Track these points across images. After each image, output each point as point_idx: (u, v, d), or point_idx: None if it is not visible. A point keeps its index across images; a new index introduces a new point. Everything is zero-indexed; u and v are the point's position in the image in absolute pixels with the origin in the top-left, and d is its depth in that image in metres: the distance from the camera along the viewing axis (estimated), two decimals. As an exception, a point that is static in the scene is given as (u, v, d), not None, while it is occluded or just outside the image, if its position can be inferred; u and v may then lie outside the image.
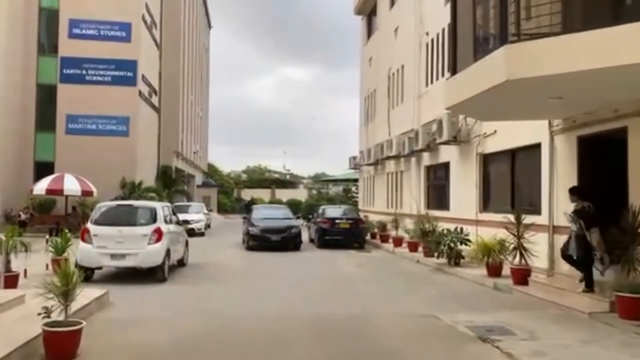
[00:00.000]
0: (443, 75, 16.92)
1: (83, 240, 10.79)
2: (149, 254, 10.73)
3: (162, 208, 11.84)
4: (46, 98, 25.82)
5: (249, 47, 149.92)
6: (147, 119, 30.30)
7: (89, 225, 10.92)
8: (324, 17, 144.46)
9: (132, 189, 25.52)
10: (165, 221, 11.68)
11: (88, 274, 10.88)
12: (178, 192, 35.55)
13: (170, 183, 34.61)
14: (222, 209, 50.91)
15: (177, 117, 38.26)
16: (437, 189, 17.88)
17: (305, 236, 19.90)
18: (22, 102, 25.23)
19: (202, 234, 24.41)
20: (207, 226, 27.34)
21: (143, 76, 28.13)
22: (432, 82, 17.99)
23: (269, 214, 19.85)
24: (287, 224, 18.51)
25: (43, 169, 24.61)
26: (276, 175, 77.33)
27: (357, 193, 47.22)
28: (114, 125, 26.51)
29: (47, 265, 12.44)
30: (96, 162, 24.75)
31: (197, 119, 50.65)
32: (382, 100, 24.45)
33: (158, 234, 10.91)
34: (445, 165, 16.71)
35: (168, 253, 11.26)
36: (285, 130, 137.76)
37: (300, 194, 64.27)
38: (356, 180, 39.01)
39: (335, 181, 46.55)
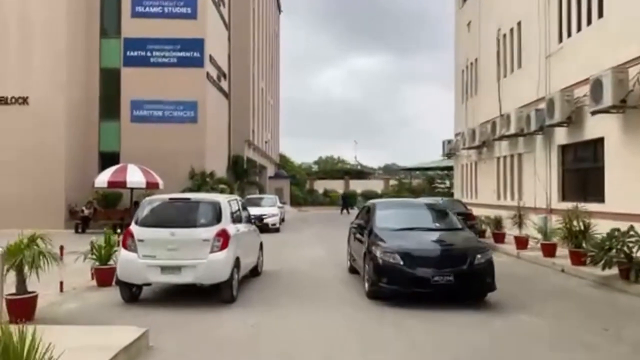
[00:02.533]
0: (590, 22, 12.79)
1: (125, 247, 7.89)
2: (212, 265, 7.73)
3: (228, 203, 8.76)
4: (110, 83, 23.99)
5: (315, 35, 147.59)
6: (216, 105, 27.93)
7: (133, 227, 8.01)
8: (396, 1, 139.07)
9: (201, 180, 23.35)
10: (233, 220, 8.69)
11: (134, 292, 8.16)
12: (250, 183, 33.44)
13: (242, 174, 32.51)
14: (295, 201, 48.91)
15: (248, 104, 35.74)
16: (580, 175, 13.75)
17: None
18: (85, 88, 23.59)
19: (277, 230, 21.88)
20: (282, 220, 24.90)
21: (211, 57, 25.68)
22: (569, 34, 13.85)
23: (410, 218, 9.31)
24: (459, 241, 8.52)
25: (108, 159, 22.91)
26: (347, 167, 74.53)
27: (441, 182, 43.00)
28: (182, 111, 24.30)
29: (92, 275, 10.05)
30: (163, 152, 22.87)
31: (268, 107, 48.29)
32: (487, 70, 20.34)
33: (224, 239, 7.89)
34: (595, 143, 12.58)
35: (237, 263, 8.28)
36: (353, 121, 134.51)
37: (375, 185, 60.76)
38: (445, 168, 34.91)
39: (420, 169, 42.43)
